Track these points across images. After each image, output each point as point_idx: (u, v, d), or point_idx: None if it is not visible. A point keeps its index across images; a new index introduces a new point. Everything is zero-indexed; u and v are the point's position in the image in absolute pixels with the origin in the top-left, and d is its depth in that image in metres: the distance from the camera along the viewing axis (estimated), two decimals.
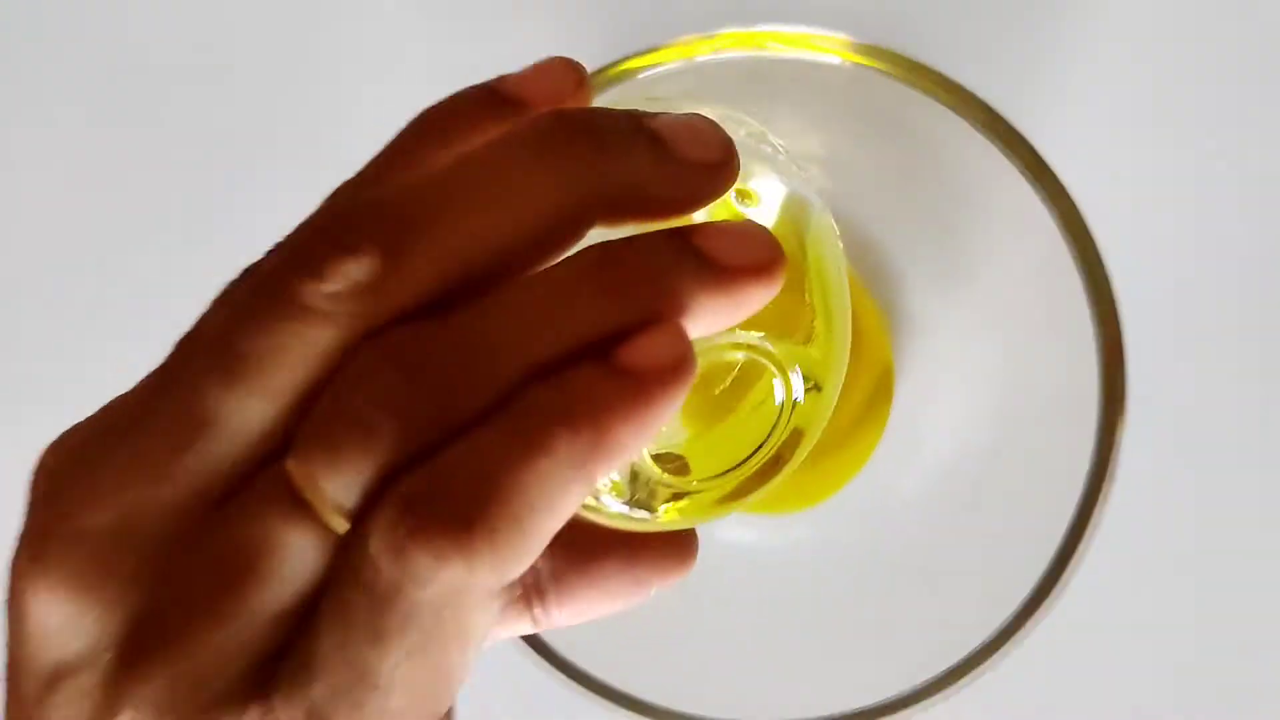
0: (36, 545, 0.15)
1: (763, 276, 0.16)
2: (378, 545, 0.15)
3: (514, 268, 0.16)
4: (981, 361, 0.35)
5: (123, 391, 0.17)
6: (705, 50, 0.31)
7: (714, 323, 0.16)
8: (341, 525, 0.15)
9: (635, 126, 0.16)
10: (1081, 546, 0.30)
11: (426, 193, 0.15)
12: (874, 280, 0.38)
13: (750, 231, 0.17)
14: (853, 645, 0.34)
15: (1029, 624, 0.30)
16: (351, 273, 0.15)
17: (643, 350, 0.15)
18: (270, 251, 0.17)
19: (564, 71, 0.18)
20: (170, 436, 0.15)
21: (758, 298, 0.16)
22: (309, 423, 0.15)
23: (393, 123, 0.44)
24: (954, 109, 0.30)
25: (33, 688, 0.15)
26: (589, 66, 0.30)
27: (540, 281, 0.16)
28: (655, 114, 0.17)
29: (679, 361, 0.15)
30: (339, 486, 0.15)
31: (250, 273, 0.17)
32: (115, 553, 0.15)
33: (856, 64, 0.30)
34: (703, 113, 0.18)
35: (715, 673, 0.33)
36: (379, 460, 0.15)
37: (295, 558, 0.15)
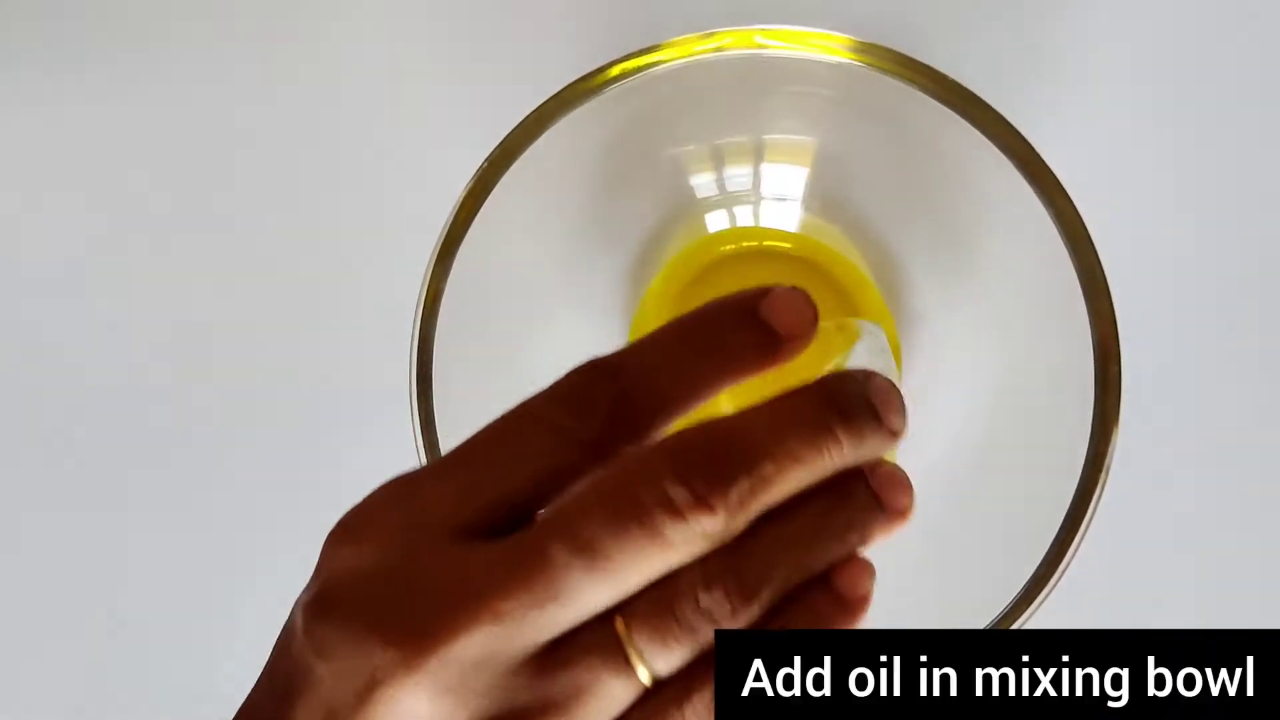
0: (411, 659, 0.20)
1: (908, 516, 0.23)
2: (692, 713, 0.21)
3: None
4: (981, 351, 0.35)
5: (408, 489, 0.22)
6: (707, 49, 0.31)
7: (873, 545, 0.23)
8: (649, 680, 0.21)
9: (866, 404, 0.22)
10: (1079, 534, 0.30)
11: (753, 465, 0.21)
12: (876, 272, 0.38)
13: (908, 482, 0.23)
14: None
15: (1028, 610, 0.30)
16: (705, 525, 0.21)
17: (856, 584, 0.22)
18: (549, 400, 0.22)
19: (804, 308, 0.23)
20: (532, 598, 0.20)
21: (900, 530, 0.23)
22: (645, 613, 0.21)
23: (386, 115, 0.44)
24: (951, 106, 0.31)
25: None
26: (595, 64, 0.31)
27: (796, 525, 0.22)
28: (871, 382, 0.23)
29: (869, 593, 0.22)
30: (661, 662, 0.21)
31: (528, 414, 0.22)
32: (475, 673, 0.21)
33: (855, 62, 0.31)
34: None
35: None
36: (692, 652, 0.21)
37: (613, 697, 0.21)
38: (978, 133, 0.31)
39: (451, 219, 0.31)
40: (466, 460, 0.22)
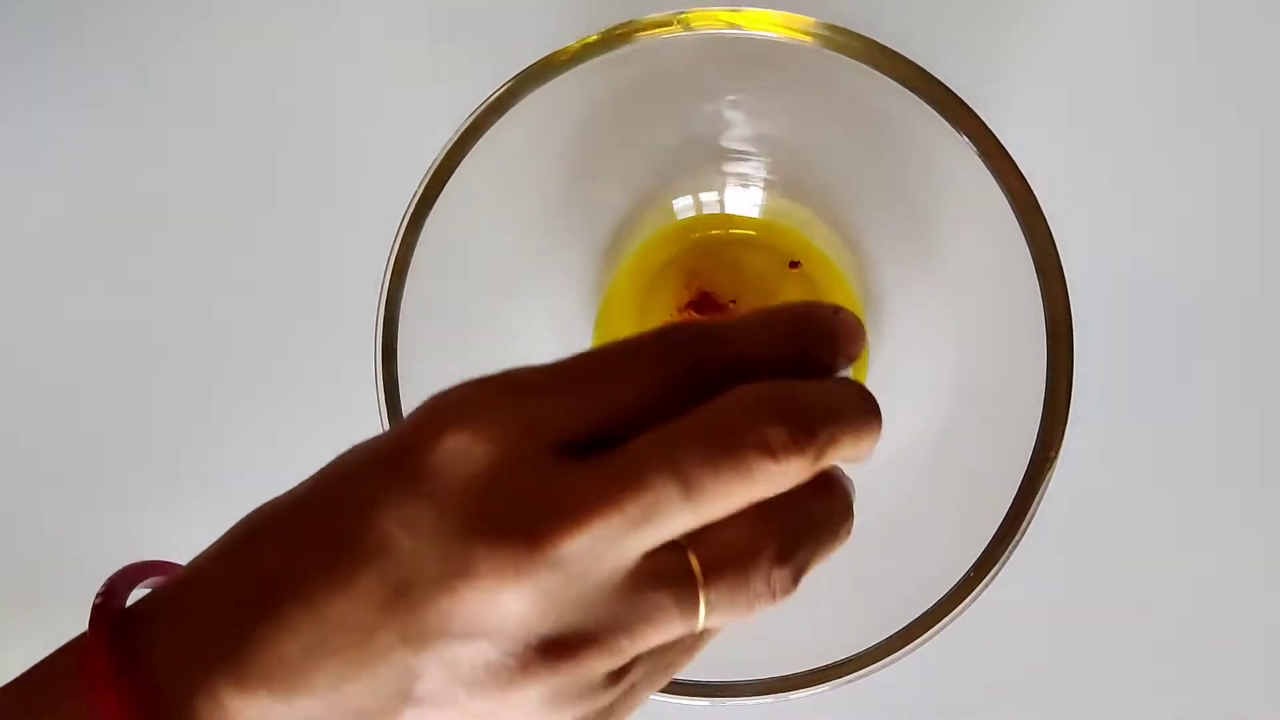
0: (520, 561, 0.21)
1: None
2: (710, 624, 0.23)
3: None
4: (940, 335, 0.36)
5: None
6: (675, 29, 0.31)
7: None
8: (699, 629, 0.23)
9: (865, 405, 0.24)
10: (1030, 511, 0.31)
11: (833, 422, 0.23)
12: (841, 255, 0.38)
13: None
14: (824, 605, 0.34)
15: (984, 582, 0.31)
16: (792, 467, 0.22)
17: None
18: (660, 342, 0.23)
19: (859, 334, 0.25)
20: (629, 518, 0.21)
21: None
22: (729, 576, 0.23)
23: (353, 90, 0.43)
24: (915, 91, 0.31)
25: (455, 631, 0.21)
26: (564, 42, 0.32)
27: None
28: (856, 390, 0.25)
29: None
30: (717, 619, 0.23)
31: (639, 348, 0.23)
32: (571, 585, 0.21)
33: (819, 44, 0.31)
34: None
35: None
36: (753, 612, 0.23)
37: (670, 632, 0.23)
38: (938, 115, 0.31)
39: (419, 192, 0.32)
40: (576, 376, 0.23)
